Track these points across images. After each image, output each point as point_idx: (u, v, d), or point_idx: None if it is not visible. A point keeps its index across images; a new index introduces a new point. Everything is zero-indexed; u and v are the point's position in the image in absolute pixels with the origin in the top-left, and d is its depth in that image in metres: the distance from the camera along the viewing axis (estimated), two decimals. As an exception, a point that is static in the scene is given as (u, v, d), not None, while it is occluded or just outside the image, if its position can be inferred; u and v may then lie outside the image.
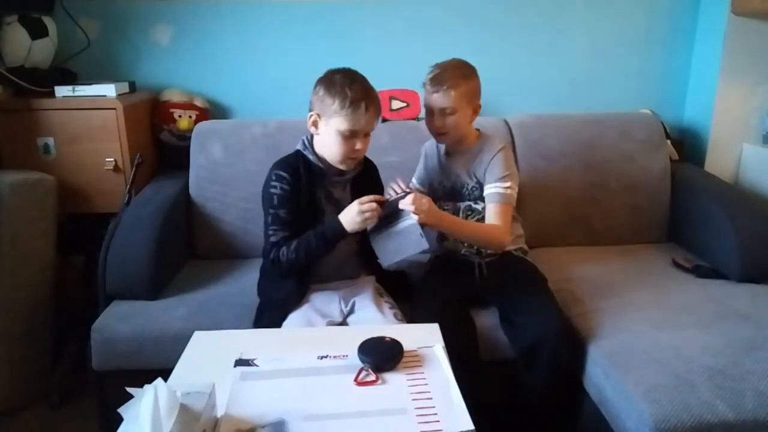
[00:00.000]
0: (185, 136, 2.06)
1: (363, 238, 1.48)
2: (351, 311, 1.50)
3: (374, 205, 1.38)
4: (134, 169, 1.91)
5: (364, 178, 1.56)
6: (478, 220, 1.61)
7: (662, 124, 2.15)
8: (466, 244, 1.63)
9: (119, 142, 1.91)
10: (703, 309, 1.55)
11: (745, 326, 1.46)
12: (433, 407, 1.00)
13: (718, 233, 1.81)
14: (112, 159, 1.91)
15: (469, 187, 1.62)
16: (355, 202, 1.39)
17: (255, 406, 1.01)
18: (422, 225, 1.38)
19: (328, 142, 1.44)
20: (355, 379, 1.08)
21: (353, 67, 1.46)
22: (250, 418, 0.97)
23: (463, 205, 1.64)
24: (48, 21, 2.00)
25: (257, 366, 1.13)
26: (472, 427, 0.96)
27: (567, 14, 2.27)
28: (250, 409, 0.99)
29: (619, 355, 1.36)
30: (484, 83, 1.59)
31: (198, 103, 2.17)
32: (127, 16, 2.17)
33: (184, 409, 0.87)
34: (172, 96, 2.15)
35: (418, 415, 0.98)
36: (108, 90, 1.91)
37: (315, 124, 1.45)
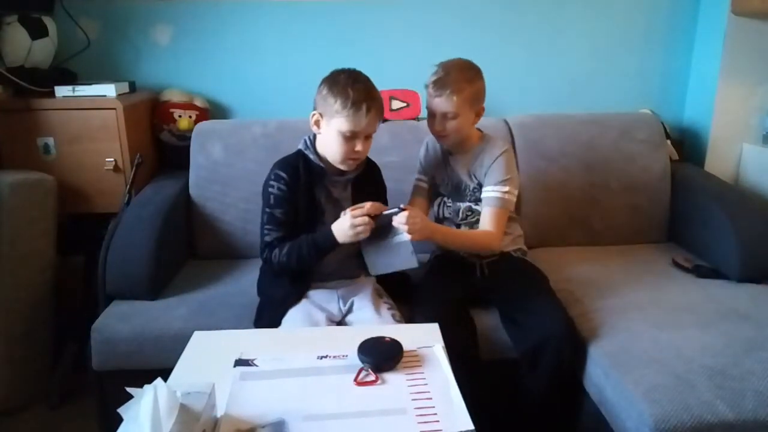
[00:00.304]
0: (185, 136, 2.06)
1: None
2: (349, 311, 1.51)
3: (366, 219, 1.37)
4: (134, 169, 1.91)
5: (366, 178, 1.56)
6: (477, 221, 1.61)
7: (662, 124, 2.15)
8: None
9: (119, 142, 1.91)
10: (703, 309, 1.55)
11: (745, 326, 1.46)
12: (433, 407, 1.00)
13: (718, 233, 1.81)
14: (112, 159, 1.91)
15: (471, 189, 1.62)
16: (348, 215, 1.38)
17: (255, 406, 1.01)
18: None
19: (329, 142, 1.44)
20: (355, 379, 1.08)
21: (353, 67, 1.46)
22: (250, 418, 0.97)
23: (463, 205, 1.65)
24: (48, 21, 2.00)
25: (257, 366, 1.13)
26: (471, 427, 0.96)
27: (567, 14, 2.27)
28: (250, 409, 0.99)
29: (619, 355, 1.36)
30: (484, 83, 1.59)
31: (198, 103, 2.17)
32: (127, 16, 2.17)
33: (184, 409, 0.87)
34: (172, 96, 2.15)
35: (417, 415, 0.98)
36: (108, 90, 1.91)
37: (317, 123, 1.46)
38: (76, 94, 1.90)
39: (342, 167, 1.48)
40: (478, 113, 1.59)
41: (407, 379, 1.08)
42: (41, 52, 1.98)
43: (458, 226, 1.66)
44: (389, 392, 1.05)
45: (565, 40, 2.29)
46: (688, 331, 1.43)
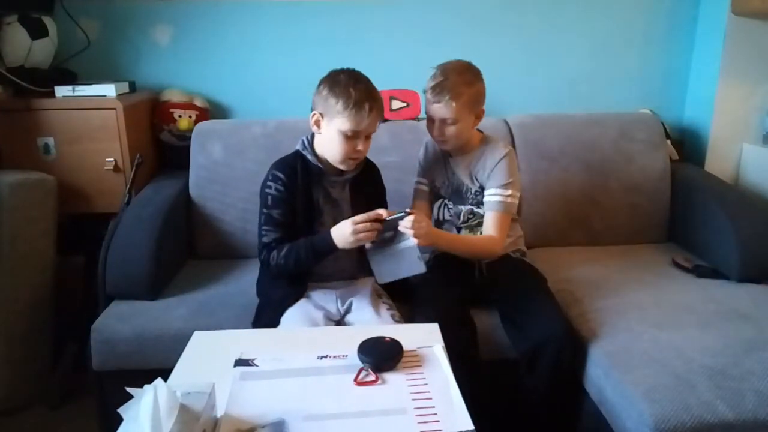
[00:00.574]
0: (185, 136, 2.06)
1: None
2: (348, 311, 1.51)
3: (368, 225, 1.36)
4: (134, 169, 1.91)
5: (365, 179, 1.56)
6: (478, 224, 1.61)
7: (662, 124, 2.15)
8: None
9: (119, 142, 1.91)
10: (703, 309, 1.55)
11: (745, 326, 1.46)
12: (433, 407, 1.00)
13: (718, 233, 1.81)
14: (112, 159, 1.91)
15: (472, 191, 1.62)
16: (350, 221, 1.37)
17: (255, 406, 1.00)
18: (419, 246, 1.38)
19: (329, 142, 1.44)
20: (355, 379, 1.08)
21: (353, 67, 1.46)
22: (250, 418, 0.97)
23: (464, 208, 1.64)
24: (48, 21, 2.00)
25: (257, 366, 1.13)
26: (471, 427, 0.96)
27: (567, 14, 2.27)
28: (250, 409, 0.99)
29: (619, 355, 1.36)
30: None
31: (198, 103, 2.17)
32: (127, 16, 2.17)
33: (184, 409, 0.87)
34: (172, 96, 2.15)
35: (417, 415, 0.98)
36: (108, 90, 1.91)
37: (317, 123, 1.45)
38: (76, 94, 1.90)
39: (342, 167, 1.48)
40: (478, 116, 1.58)
41: (407, 379, 1.08)
42: (41, 52, 1.98)
43: (459, 229, 1.66)
44: (389, 392, 1.05)
45: (565, 40, 2.29)
46: (688, 331, 1.43)
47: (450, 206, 1.66)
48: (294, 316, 1.42)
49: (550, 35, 2.29)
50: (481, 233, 1.60)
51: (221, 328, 1.36)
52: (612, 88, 2.34)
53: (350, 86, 1.39)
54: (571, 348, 1.45)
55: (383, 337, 1.17)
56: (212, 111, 2.25)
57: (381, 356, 1.12)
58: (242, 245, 1.94)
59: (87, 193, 1.94)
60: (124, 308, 1.59)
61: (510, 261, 1.66)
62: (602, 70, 2.33)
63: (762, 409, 1.17)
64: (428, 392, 1.04)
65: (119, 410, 0.87)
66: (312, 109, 1.46)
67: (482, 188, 1.60)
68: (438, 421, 0.97)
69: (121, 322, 1.54)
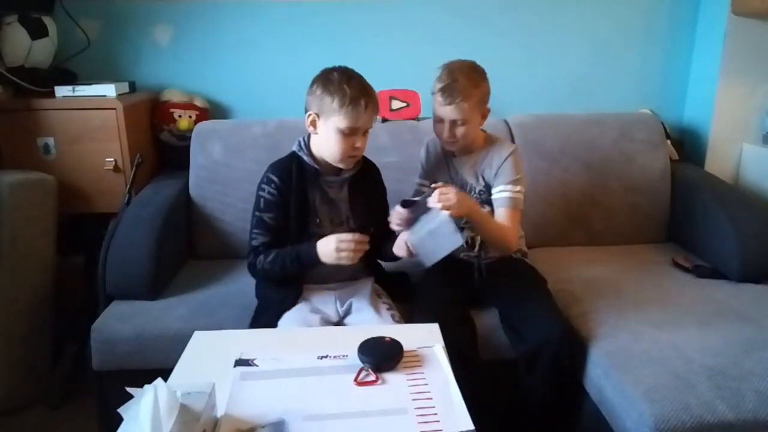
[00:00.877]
0: (185, 136, 2.06)
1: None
2: (348, 312, 1.50)
3: (352, 245, 1.35)
4: (134, 169, 1.91)
5: (363, 178, 1.56)
6: None
7: (662, 124, 2.15)
8: (465, 248, 1.62)
9: (119, 142, 1.91)
10: (703, 309, 1.55)
11: (745, 326, 1.46)
12: (433, 407, 1.00)
13: (718, 233, 1.81)
14: (112, 159, 1.91)
15: (477, 190, 1.61)
16: (335, 237, 1.36)
17: (255, 406, 1.00)
18: (456, 218, 1.34)
19: (327, 141, 1.43)
20: (355, 379, 1.08)
21: (353, 67, 1.45)
22: (250, 418, 0.97)
23: None
24: (48, 21, 2.00)
25: (257, 366, 1.13)
26: (472, 427, 0.96)
27: (567, 14, 2.27)
28: (250, 409, 0.99)
29: (619, 355, 1.36)
30: (484, 83, 1.59)
31: (198, 103, 2.17)
32: (127, 16, 2.17)
33: (184, 409, 0.87)
34: (172, 96, 2.15)
35: (418, 415, 0.98)
36: (108, 90, 1.91)
37: (313, 123, 1.45)
38: (76, 94, 1.90)
39: (341, 165, 1.48)
40: (484, 115, 1.57)
41: (407, 379, 1.08)
42: (41, 52, 1.98)
43: (462, 229, 1.65)
44: (389, 392, 1.05)
45: (565, 40, 2.29)
46: (688, 331, 1.43)
47: None
48: (290, 321, 1.42)
49: (550, 35, 2.29)
50: None
51: (221, 328, 1.36)
52: (612, 88, 2.34)
53: (344, 83, 1.38)
54: (569, 351, 1.45)
55: (383, 337, 1.17)
56: (212, 111, 2.25)
57: (381, 356, 1.12)
58: (242, 245, 1.91)
59: (87, 193, 1.94)
60: (124, 308, 1.59)
61: (510, 261, 1.66)
62: (602, 70, 2.33)
63: (762, 409, 1.17)
64: (428, 392, 1.04)
65: (119, 410, 0.87)
66: (306, 110, 1.45)
67: (487, 186, 1.59)
68: (438, 421, 0.97)
69: (121, 322, 1.54)
